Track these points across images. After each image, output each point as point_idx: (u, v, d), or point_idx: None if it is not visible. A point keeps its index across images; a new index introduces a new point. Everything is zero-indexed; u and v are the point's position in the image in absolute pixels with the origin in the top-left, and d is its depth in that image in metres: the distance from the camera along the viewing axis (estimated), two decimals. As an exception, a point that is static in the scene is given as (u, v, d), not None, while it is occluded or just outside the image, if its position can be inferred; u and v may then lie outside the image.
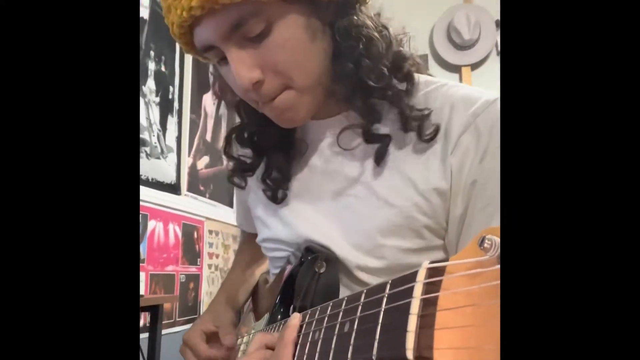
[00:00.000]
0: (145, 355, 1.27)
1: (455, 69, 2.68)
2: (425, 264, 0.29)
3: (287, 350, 0.43)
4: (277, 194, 0.60)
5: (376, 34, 0.51)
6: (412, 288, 0.29)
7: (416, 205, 0.51)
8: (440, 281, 0.27)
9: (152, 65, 1.89)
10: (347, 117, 0.56)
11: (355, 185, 0.55)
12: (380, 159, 0.53)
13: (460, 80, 2.66)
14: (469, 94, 0.52)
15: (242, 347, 0.68)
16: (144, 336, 1.38)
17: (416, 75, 0.55)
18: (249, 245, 0.79)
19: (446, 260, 0.28)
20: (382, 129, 0.53)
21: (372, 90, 0.51)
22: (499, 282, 0.23)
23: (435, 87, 0.55)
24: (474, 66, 2.64)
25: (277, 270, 0.64)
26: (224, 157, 0.66)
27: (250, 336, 0.68)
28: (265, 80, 0.49)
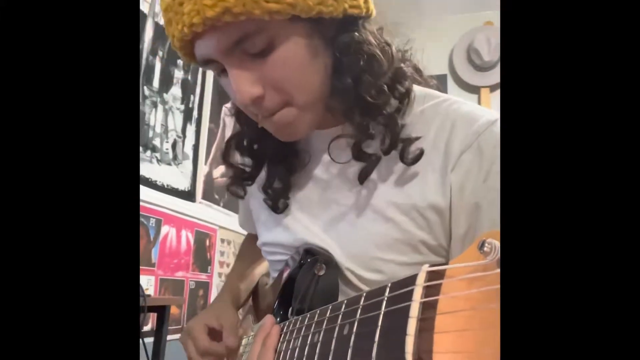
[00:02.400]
0: (150, 356, 1.27)
1: (474, 89, 2.67)
2: (425, 267, 0.29)
3: (268, 355, 0.47)
4: (278, 204, 0.60)
5: (378, 50, 0.51)
6: (411, 291, 0.29)
7: (413, 220, 0.51)
8: (440, 284, 0.27)
9: (179, 74, 1.93)
10: (345, 127, 0.55)
11: (353, 197, 0.54)
12: (363, 179, 0.52)
13: (479, 101, 2.65)
14: (471, 111, 0.52)
15: (240, 350, 0.68)
16: (150, 340, 1.39)
17: (417, 89, 0.55)
18: (251, 245, 0.79)
19: (446, 263, 0.28)
20: (373, 146, 0.52)
21: (370, 107, 0.50)
22: (498, 286, 0.23)
23: (436, 102, 0.54)
24: (493, 88, 2.64)
25: (276, 273, 0.64)
26: (222, 165, 0.65)
27: (249, 339, 0.68)
28: (265, 96, 0.49)
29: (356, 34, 0.50)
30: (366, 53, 0.50)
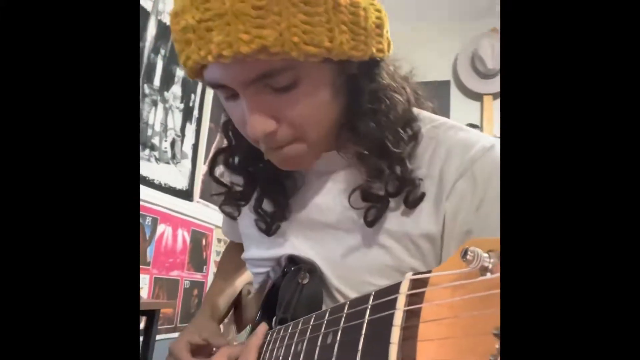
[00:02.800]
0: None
1: (477, 97, 2.67)
2: (409, 276, 0.29)
3: (252, 353, 0.46)
4: (271, 226, 0.58)
5: (398, 95, 0.51)
6: (395, 299, 0.29)
7: (405, 248, 0.50)
8: (424, 292, 0.27)
9: (180, 72, 1.93)
10: (343, 155, 0.54)
11: (347, 221, 0.54)
12: (373, 222, 0.51)
13: (482, 109, 2.65)
14: (466, 138, 0.51)
15: None
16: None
17: (415, 112, 0.54)
18: (233, 253, 0.77)
19: (429, 272, 0.27)
20: (379, 189, 0.51)
21: (387, 151, 0.49)
22: (481, 294, 0.23)
23: (431, 126, 0.54)
24: (496, 95, 2.63)
25: (259, 285, 0.64)
26: (210, 179, 0.61)
27: None
28: (278, 130, 0.47)
29: (382, 81, 0.50)
30: (389, 98, 0.50)
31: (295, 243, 0.57)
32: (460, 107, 2.65)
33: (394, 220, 0.51)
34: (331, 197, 0.55)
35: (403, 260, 0.50)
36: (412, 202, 0.50)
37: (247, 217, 0.62)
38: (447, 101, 2.65)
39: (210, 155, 0.61)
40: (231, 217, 0.63)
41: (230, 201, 0.61)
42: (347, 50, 0.44)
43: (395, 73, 0.52)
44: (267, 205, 0.59)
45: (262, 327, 0.51)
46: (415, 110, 0.54)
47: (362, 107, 0.49)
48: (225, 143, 0.60)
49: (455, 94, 2.70)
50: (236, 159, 0.59)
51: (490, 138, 0.51)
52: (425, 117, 0.55)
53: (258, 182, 0.59)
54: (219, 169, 0.61)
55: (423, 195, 0.50)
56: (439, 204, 0.50)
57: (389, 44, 0.50)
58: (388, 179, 0.50)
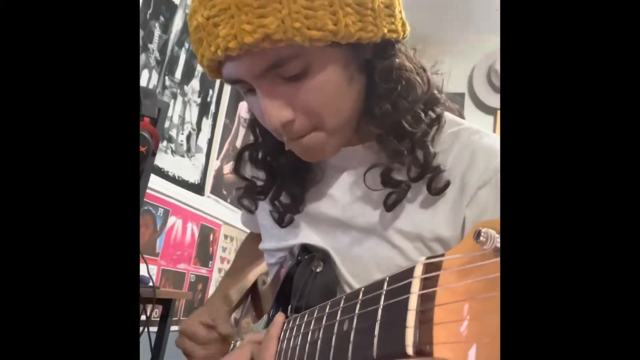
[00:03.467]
0: (152, 348, 1.28)
1: (491, 111, 2.67)
2: (422, 259, 0.29)
3: (271, 343, 0.47)
4: (284, 218, 0.59)
5: (416, 76, 0.50)
6: (409, 284, 0.29)
7: (418, 250, 0.50)
8: (437, 276, 0.27)
9: (199, 67, 1.95)
10: (367, 148, 0.54)
11: (362, 219, 0.53)
12: (392, 206, 0.50)
13: (495, 123, 2.64)
14: (491, 144, 0.50)
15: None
16: (153, 329, 1.39)
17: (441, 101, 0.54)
18: (251, 245, 0.78)
19: (442, 255, 0.28)
20: (400, 172, 0.50)
21: (406, 134, 0.49)
22: (495, 275, 0.23)
23: (456, 130, 0.53)
24: (511, 111, 2.62)
25: (274, 275, 0.64)
26: (234, 175, 0.62)
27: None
28: (295, 120, 0.47)
29: (396, 59, 0.49)
30: (404, 79, 0.49)
31: (309, 234, 0.57)
32: (474, 120, 2.63)
33: (409, 220, 0.51)
34: (348, 194, 0.55)
35: (415, 261, 0.50)
36: (436, 189, 0.49)
37: (264, 208, 0.63)
38: (461, 114, 2.65)
39: (237, 151, 0.62)
40: (249, 210, 0.64)
41: (249, 195, 0.62)
42: (354, 32, 0.44)
43: (413, 57, 0.51)
44: (283, 198, 0.59)
45: (280, 317, 0.51)
46: (440, 96, 0.53)
47: (377, 88, 0.49)
48: (247, 139, 0.61)
49: (469, 106, 2.70)
50: (260, 154, 0.60)
51: None
52: (450, 120, 0.54)
53: (279, 177, 0.59)
54: (244, 165, 0.62)
55: (448, 183, 0.49)
56: (458, 209, 0.49)
57: (403, 25, 0.49)
58: (409, 163, 0.49)
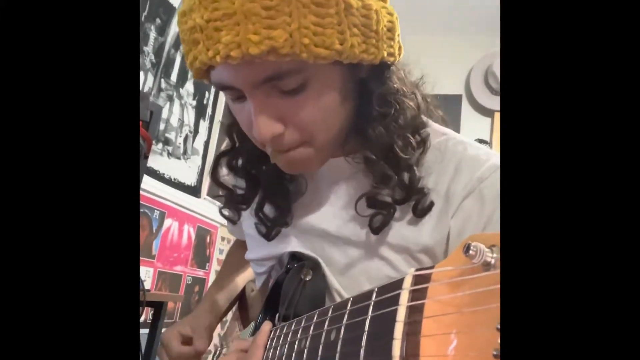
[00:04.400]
0: (143, 351, 1.27)
1: (488, 113, 2.67)
2: (411, 271, 0.29)
3: (258, 352, 0.47)
4: (271, 232, 0.58)
5: (409, 101, 0.50)
6: (398, 295, 0.29)
7: (405, 260, 0.50)
8: (426, 288, 0.27)
9: (192, 70, 1.95)
10: (352, 160, 0.53)
11: (349, 230, 0.53)
12: (379, 229, 0.50)
13: (492, 125, 2.65)
14: (475, 155, 0.51)
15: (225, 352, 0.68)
16: (143, 332, 1.39)
17: (424, 120, 0.54)
18: (238, 251, 0.78)
19: (432, 267, 0.28)
20: (385, 196, 0.50)
21: (395, 157, 0.49)
22: (484, 289, 0.23)
23: (441, 140, 0.53)
24: (508, 113, 2.63)
25: (262, 283, 0.64)
26: (212, 182, 0.60)
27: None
28: (285, 133, 0.46)
29: (391, 83, 0.49)
30: (399, 103, 0.49)
31: (297, 244, 0.57)
32: (471, 122, 2.65)
33: (396, 233, 0.51)
34: (335, 206, 0.55)
35: (404, 273, 0.49)
36: (421, 211, 0.49)
37: (249, 218, 0.61)
38: (458, 115, 2.65)
39: (214, 157, 0.60)
40: (231, 221, 0.63)
41: (231, 205, 0.60)
42: (358, 53, 0.44)
43: (405, 78, 0.52)
44: (268, 210, 0.58)
45: (267, 325, 0.50)
46: (424, 119, 0.54)
47: (371, 111, 0.49)
48: (228, 145, 0.59)
49: (466, 108, 2.70)
50: (239, 161, 0.58)
51: (499, 156, 0.50)
52: (435, 129, 0.54)
53: (260, 185, 0.58)
54: (222, 171, 0.60)
55: (432, 204, 0.49)
56: (443, 220, 0.49)
57: (399, 49, 0.50)
58: (395, 186, 0.49)
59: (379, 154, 0.49)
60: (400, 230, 0.51)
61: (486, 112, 2.67)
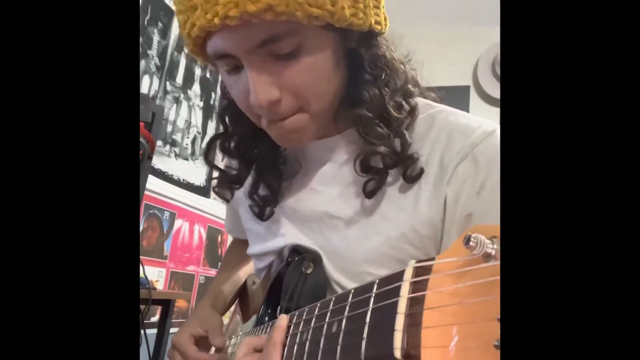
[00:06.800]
0: (151, 350, 1.28)
1: (496, 103, 2.64)
2: (412, 263, 0.29)
3: (275, 351, 0.43)
4: (264, 211, 0.58)
5: (398, 64, 0.52)
6: (399, 287, 0.29)
7: (404, 236, 0.50)
8: (427, 280, 0.27)
9: (198, 71, 1.97)
10: (346, 137, 0.55)
11: (346, 210, 0.53)
12: (372, 193, 0.51)
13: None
14: (467, 123, 0.51)
15: (229, 350, 0.67)
16: (153, 331, 1.40)
17: (416, 99, 0.55)
18: (238, 248, 0.78)
19: (432, 259, 0.28)
20: (376, 160, 0.51)
21: (390, 121, 0.50)
22: (485, 280, 0.23)
23: (431, 112, 0.54)
24: (517, 102, 2.60)
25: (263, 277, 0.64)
26: (206, 164, 0.64)
27: (238, 338, 0.68)
28: (282, 99, 0.47)
29: (380, 50, 0.51)
30: (389, 67, 0.51)
31: (295, 234, 0.57)
32: (479, 112, 2.63)
33: (393, 206, 0.51)
34: (331, 186, 0.55)
35: (402, 249, 0.50)
36: (410, 177, 0.50)
37: (247, 212, 0.62)
38: (467, 106, 2.63)
39: (207, 140, 0.62)
40: (224, 198, 0.64)
41: (224, 184, 0.62)
42: (348, 16, 0.45)
43: (393, 50, 0.53)
44: (261, 190, 0.59)
45: (284, 319, 0.47)
46: (417, 97, 0.55)
47: (363, 75, 0.50)
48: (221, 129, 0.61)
49: (474, 99, 2.68)
50: (232, 143, 0.60)
51: (491, 123, 0.51)
52: (425, 103, 0.55)
53: (253, 164, 0.59)
54: (215, 154, 0.61)
55: (422, 171, 0.50)
56: (439, 188, 0.49)
57: (385, 19, 0.51)
58: (385, 151, 0.50)
59: (375, 114, 0.50)
60: (397, 201, 0.51)
61: (494, 102, 2.65)
